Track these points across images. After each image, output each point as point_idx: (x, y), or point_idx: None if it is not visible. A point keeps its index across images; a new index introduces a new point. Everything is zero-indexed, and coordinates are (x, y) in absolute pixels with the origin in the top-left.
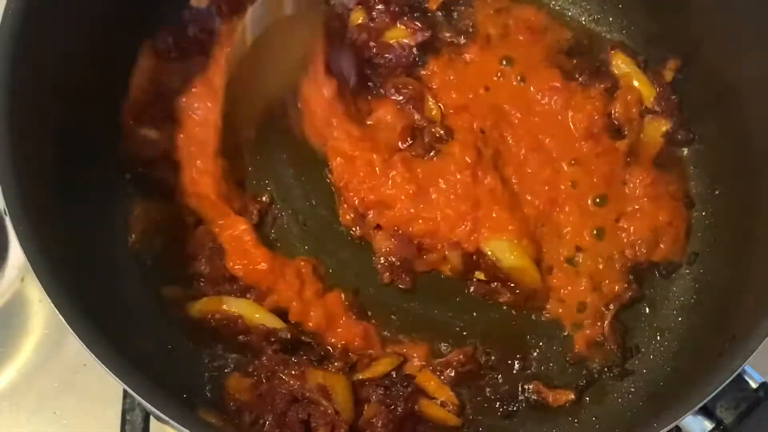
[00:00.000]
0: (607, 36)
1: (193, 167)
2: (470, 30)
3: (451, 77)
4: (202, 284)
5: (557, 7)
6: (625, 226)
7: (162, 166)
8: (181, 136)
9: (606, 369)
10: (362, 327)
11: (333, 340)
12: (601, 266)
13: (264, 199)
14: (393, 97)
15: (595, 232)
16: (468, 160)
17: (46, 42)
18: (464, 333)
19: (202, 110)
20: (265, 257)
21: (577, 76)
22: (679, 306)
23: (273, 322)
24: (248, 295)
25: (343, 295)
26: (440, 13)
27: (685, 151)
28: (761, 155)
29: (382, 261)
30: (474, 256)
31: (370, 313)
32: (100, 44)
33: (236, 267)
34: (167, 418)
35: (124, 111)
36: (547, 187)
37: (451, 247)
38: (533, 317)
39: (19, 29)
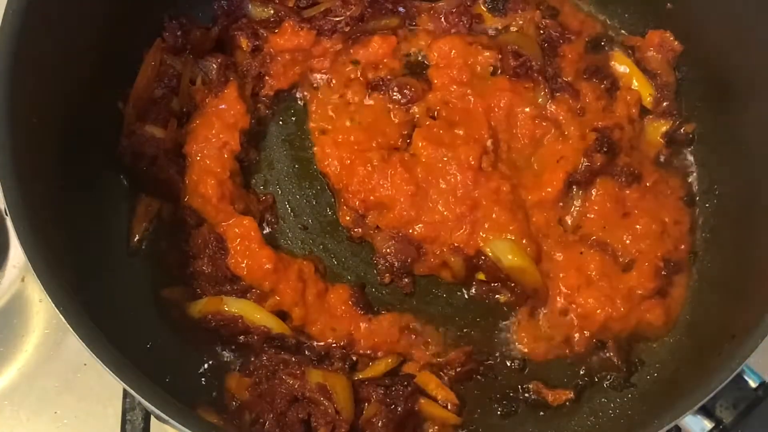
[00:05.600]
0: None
1: (202, 167)
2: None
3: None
4: (202, 284)
5: None
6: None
7: (164, 165)
8: (200, 134)
9: (608, 378)
10: (391, 321)
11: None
12: None
13: (266, 198)
14: (394, 96)
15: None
16: (472, 161)
17: (47, 42)
18: (464, 332)
19: (232, 112)
20: (270, 257)
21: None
22: None
23: (274, 324)
24: (248, 296)
25: (348, 291)
26: None
27: (685, 151)
28: (761, 155)
29: (383, 262)
30: (474, 258)
31: (376, 309)
32: (102, 43)
33: (240, 266)
34: (167, 418)
35: (127, 108)
36: (549, 189)
37: (453, 252)
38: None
39: (19, 29)
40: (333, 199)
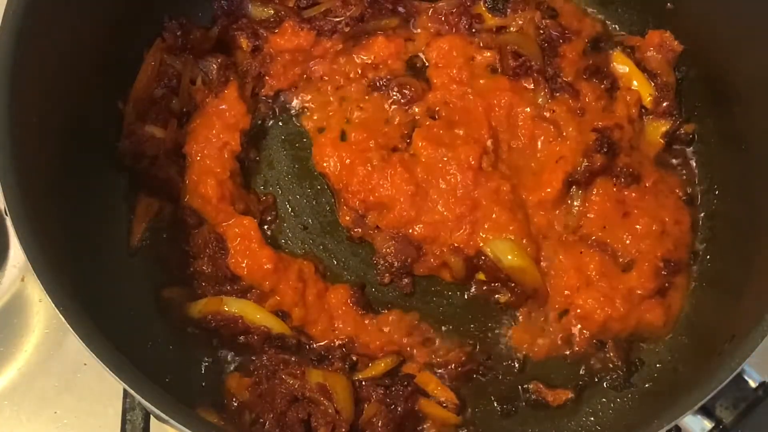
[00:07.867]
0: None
1: (202, 167)
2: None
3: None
4: (202, 284)
5: None
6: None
7: (164, 165)
8: (200, 134)
9: (608, 378)
10: (392, 321)
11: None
12: None
13: (266, 198)
14: (394, 96)
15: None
16: (472, 161)
17: (47, 42)
18: (464, 332)
19: (233, 113)
20: (270, 257)
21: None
22: None
23: (274, 323)
24: (248, 296)
25: (349, 291)
26: None
27: (686, 151)
28: (761, 155)
29: (383, 262)
30: (474, 258)
31: (376, 309)
32: (102, 43)
33: (240, 266)
34: (167, 418)
35: (127, 108)
36: (549, 189)
37: (453, 252)
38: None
39: (19, 29)
40: (333, 199)
